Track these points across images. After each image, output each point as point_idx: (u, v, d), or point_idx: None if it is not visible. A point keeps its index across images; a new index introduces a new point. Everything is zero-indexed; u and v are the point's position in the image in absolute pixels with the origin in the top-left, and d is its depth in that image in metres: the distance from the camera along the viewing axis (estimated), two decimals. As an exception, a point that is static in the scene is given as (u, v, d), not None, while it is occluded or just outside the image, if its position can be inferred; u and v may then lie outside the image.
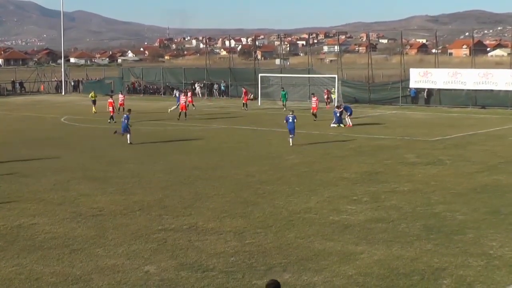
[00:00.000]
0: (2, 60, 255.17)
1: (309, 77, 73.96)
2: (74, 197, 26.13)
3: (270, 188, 27.51)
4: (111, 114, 54.46)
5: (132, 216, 23.08)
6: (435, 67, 69.88)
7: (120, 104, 58.99)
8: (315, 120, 52.10)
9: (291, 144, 38.72)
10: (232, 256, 18.32)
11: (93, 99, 63.13)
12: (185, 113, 54.43)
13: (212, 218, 22.48)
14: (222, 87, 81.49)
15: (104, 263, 17.90)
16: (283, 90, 66.67)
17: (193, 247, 19.22)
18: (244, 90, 68.51)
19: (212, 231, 20.84)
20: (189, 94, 64.55)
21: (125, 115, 41.76)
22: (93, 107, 61.76)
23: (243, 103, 65.09)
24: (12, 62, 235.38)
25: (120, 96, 61.80)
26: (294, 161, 34.36)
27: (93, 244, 19.70)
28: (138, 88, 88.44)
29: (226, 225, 21.49)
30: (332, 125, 48.98)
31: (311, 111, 53.95)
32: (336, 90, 64.15)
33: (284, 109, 61.44)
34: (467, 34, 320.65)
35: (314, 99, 54.34)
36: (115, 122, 53.42)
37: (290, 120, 39.37)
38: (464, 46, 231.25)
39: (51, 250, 19.20)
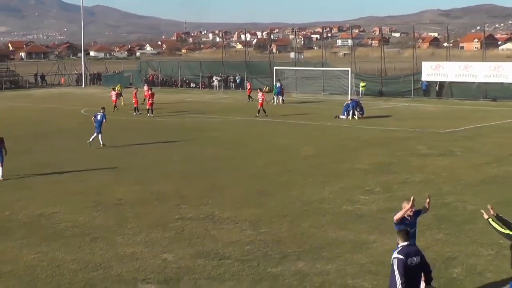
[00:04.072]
0: (24, 53, 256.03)
1: (323, 70, 73.81)
2: (94, 187, 26.25)
3: (284, 178, 27.54)
4: (135, 105, 54.48)
5: (151, 205, 23.17)
6: (446, 61, 69.58)
7: (146, 96, 58.84)
8: (257, 116, 50.99)
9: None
10: (247, 244, 18.37)
11: (119, 91, 62.25)
12: (264, 109, 51.66)
13: (228, 207, 22.54)
14: (238, 80, 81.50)
15: (123, 251, 18.00)
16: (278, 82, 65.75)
17: (210, 236, 19.29)
18: (248, 83, 68.63)
19: (228, 220, 20.91)
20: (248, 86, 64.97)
21: (101, 113, 38.21)
22: (121, 100, 60.40)
23: (248, 96, 65.06)
24: (33, 56, 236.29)
25: (145, 88, 61.74)
26: (307, 152, 34.36)
27: (113, 232, 19.81)
28: (155, 81, 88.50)
29: (242, 215, 21.54)
30: (341, 116, 48.91)
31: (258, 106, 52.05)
32: (350, 83, 63.98)
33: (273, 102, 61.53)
34: (478, 28, 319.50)
35: (260, 94, 53.19)
36: (140, 113, 53.62)
37: None
38: (475, 40, 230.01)
39: (72, 238, 19.32)
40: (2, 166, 27.32)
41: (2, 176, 27.11)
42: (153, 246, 18.32)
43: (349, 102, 49.89)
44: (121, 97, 60.06)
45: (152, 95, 53.46)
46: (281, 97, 63.03)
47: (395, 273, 11.30)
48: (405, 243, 11.58)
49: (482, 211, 12.79)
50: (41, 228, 20.52)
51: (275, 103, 61.39)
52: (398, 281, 11.22)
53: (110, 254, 17.68)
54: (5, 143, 27.54)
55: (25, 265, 16.98)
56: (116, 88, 62.78)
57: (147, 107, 52.94)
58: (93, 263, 16.95)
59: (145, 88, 61.50)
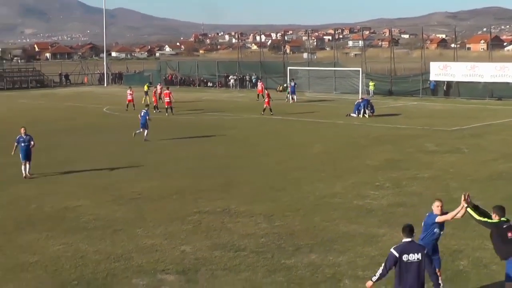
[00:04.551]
0: (49, 54, 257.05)
1: (334, 70, 73.71)
2: (115, 182, 26.35)
3: (297, 174, 27.54)
4: (155, 104, 54.29)
5: (169, 199, 23.24)
6: (454, 61, 69.31)
7: (161, 94, 58.86)
8: (262, 114, 50.81)
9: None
10: (262, 237, 18.39)
11: (146, 90, 61.69)
12: (270, 108, 51.41)
13: (243, 202, 22.57)
14: (253, 79, 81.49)
15: (143, 242, 18.07)
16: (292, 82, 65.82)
17: (226, 229, 19.33)
18: (261, 82, 68.57)
19: (244, 214, 20.94)
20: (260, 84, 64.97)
21: (144, 111, 39.79)
22: (145, 98, 59.14)
23: (258, 95, 64.08)
24: (58, 56, 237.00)
25: (158, 87, 61.62)
26: (319, 149, 34.34)
27: (133, 225, 19.88)
28: (174, 80, 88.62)
29: (257, 209, 21.57)
30: (352, 114, 48.84)
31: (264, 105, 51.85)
32: (360, 83, 63.89)
33: (288, 101, 61.59)
34: (484, 29, 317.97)
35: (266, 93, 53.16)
36: (159, 111, 53.60)
37: None
38: (482, 41, 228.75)
39: (94, 230, 19.41)
40: (29, 163, 27.07)
41: (28, 173, 26.99)
42: (172, 238, 18.38)
43: (360, 101, 49.80)
44: (146, 96, 59.24)
45: (169, 94, 53.15)
46: (295, 96, 62.89)
47: (383, 265, 11.57)
48: (408, 240, 11.55)
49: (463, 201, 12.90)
50: (66, 221, 20.63)
51: (290, 102, 61.36)
52: (380, 271, 11.51)
53: (131, 246, 17.75)
54: (34, 141, 27.30)
55: (50, 255, 17.08)
56: (145, 87, 62.74)
57: (166, 106, 52.72)
58: (115, 254, 17.03)
59: (158, 87, 61.32)
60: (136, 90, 58.89)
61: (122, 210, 21.85)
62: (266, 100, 51.51)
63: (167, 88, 55.56)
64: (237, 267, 15.95)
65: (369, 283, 11.66)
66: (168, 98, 52.25)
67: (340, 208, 21.56)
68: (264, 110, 51.02)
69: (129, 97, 56.44)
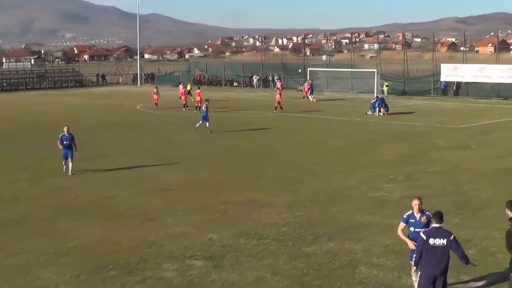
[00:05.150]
0: (88, 56, 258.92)
1: (351, 71, 73.45)
2: (147, 174, 26.45)
3: (315, 168, 27.49)
4: (198, 104, 54.22)
5: (198, 190, 23.28)
6: (463, 63, 68.72)
7: (181, 94, 58.85)
8: (274, 113, 50.51)
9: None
10: (283, 226, 18.38)
11: (188, 90, 61.09)
12: (281, 106, 51.06)
13: (266, 193, 22.56)
14: (275, 80, 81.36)
15: (173, 230, 18.12)
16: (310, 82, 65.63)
17: (250, 218, 19.34)
18: (280, 82, 68.28)
19: (267, 205, 20.93)
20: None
21: (205, 105, 40.78)
22: (188, 97, 57.98)
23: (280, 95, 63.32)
24: (95, 58, 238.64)
25: (181, 87, 61.55)
26: (336, 144, 34.25)
27: (165, 214, 19.94)
28: (202, 80, 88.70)
29: (278, 200, 21.55)
30: (368, 113, 48.67)
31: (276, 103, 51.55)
32: (376, 83, 63.65)
33: (311, 100, 61.42)
34: (492, 33, 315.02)
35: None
36: (188, 109, 53.66)
37: None
38: (490, 45, 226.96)
39: (129, 218, 19.50)
40: (72, 161, 26.37)
41: (71, 171, 26.31)
42: (200, 227, 18.41)
43: (375, 100, 49.60)
44: (189, 95, 58.53)
45: (200, 93, 52.94)
46: (311, 96, 62.70)
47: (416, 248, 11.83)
48: (437, 225, 11.65)
49: None
50: (103, 209, 20.74)
51: (311, 100, 61.18)
52: (414, 255, 11.84)
53: (162, 233, 17.81)
54: (75, 140, 26.76)
55: (88, 241, 17.18)
56: (187, 87, 62.73)
57: (196, 104, 52.53)
58: (148, 241, 17.09)
59: (181, 87, 61.06)
60: (165, 89, 58.94)
61: (155, 200, 21.93)
62: (278, 98, 51.48)
63: (198, 88, 55.34)
64: (260, 254, 15.95)
65: (414, 268, 12.08)
66: (199, 97, 52.15)
67: (356, 200, 21.50)
68: (275, 108, 51.01)
69: (155, 96, 56.54)
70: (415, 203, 12.75)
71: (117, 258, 15.76)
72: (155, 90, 57.69)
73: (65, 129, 26.63)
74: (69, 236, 17.66)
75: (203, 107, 40.71)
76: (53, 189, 23.81)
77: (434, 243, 11.40)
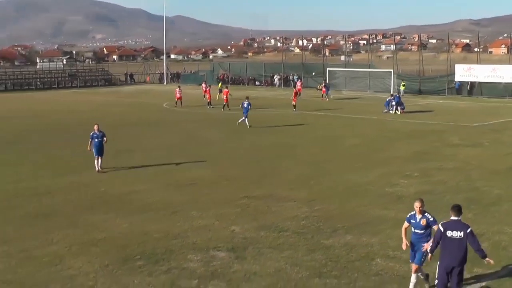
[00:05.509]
0: (116, 56, 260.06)
1: (369, 71, 73.23)
2: (173, 170, 26.55)
3: (334, 164, 27.44)
4: (208, 100, 54.23)
5: (221, 185, 23.31)
6: (477, 64, 68.26)
7: (205, 92, 59.00)
8: (294, 111, 50.34)
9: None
10: (303, 219, 18.37)
11: (220, 88, 61.18)
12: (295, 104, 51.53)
13: (286, 188, 22.56)
14: (295, 79, 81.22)
15: (197, 223, 18.17)
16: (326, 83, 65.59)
17: (271, 212, 19.34)
18: (300, 82, 68.29)
19: (287, 199, 20.92)
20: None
21: (247, 102, 41.11)
22: (218, 95, 58.40)
23: (297, 93, 62.18)
24: (124, 58, 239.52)
25: (203, 86, 61.67)
26: (354, 142, 34.14)
27: (189, 207, 19.99)
28: (225, 79, 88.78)
29: (298, 194, 21.53)
30: (384, 110, 48.56)
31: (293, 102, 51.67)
32: (392, 82, 63.41)
33: (327, 99, 61.30)
34: (505, 35, 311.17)
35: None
36: (213, 107, 53.70)
37: None
38: (503, 46, 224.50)
39: (155, 211, 19.57)
40: (101, 158, 26.12)
41: (100, 167, 26.10)
42: (223, 220, 18.45)
43: (392, 98, 49.38)
44: (220, 94, 58.23)
45: (226, 92, 52.87)
46: (326, 95, 62.57)
47: (433, 238, 11.85)
48: (455, 218, 11.67)
49: None
50: (130, 202, 20.84)
51: (327, 99, 61.07)
52: (431, 244, 11.83)
53: (186, 226, 17.87)
54: (106, 137, 26.50)
55: (116, 233, 17.28)
56: (219, 85, 62.76)
57: (224, 102, 52.56)
58: (173, 233, 17.15)
59: (203, 85, 61.14)
60: (190, 88, 58.97)
61: (179, 194, 22.00)
62: (225, 97, 51.95)
63: (226, 87, 55.33)
64: (280, 246, 15.95)
65: (427, 245, 12.04)
66: (225, 96, 52.17)
67: (373, 195, 21.43)
68: (294, 106, 51.01)
69: (178, 95, 56.47)
70: (416, 205, 12.58)
71: (143, 249, 15.84)
72: (177, 89, 57.78)
73: (96, 127, 26.42)
74: (98, 228, 17.78)
75: (245, 104, 40.98)
76: (82, 183, 23.94)
77: (452, 235, 11.41)
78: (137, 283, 13.67)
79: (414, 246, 12.53)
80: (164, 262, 14.90)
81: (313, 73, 78.87)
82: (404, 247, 12.82)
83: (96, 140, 26.06)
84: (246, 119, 40.22)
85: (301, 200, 20.76)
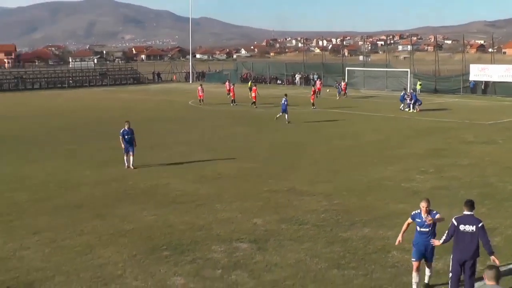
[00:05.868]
0: (144, 56, 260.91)
1: (386, 70, 72.83)
2: (198, 164, 26.58)
3: (352, 160, 27.32)
4: (254, 100, 54.07)
5: (244, 179, 23.31)
6: (491, 64, 67.66)
7: (227, 91, 59.16)
8: (313, 108, 50.24)
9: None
10: (322, 213, 18.31)
11: (250, 87, 60.87)
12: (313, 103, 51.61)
13: (306, 182, 22.50)
14: (315, 78, 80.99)
15: (221, 215, 18.19)
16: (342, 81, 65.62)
17: (292, 205, 19.31)
18: (319, 81, 68.21)
19: (307, 193, 20.87)
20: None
21: (284, 98, 41.80)
22: (250, 93, 56.32)
23: (316, 91, 58.79)
24: (151, 58, 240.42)
25: (227, 84, 61.75)
26: (371, 138, 33.98)
27: (213, 200, 20.02)
28: (248, 78, 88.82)
29: (318, 189, 21.48)
30: (401, 108, 48.35)
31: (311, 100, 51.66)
32: (408, 82, 63.07)
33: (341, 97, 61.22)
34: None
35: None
36: (236, 104, 53.73)
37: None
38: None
39: (181, 204, 19.62)
40: (133, 155, 25.72)
41: (132, 164, 25.70)
42: (246, 213, 18.45)
43: (409, 95, 49.05)
44: (250, 92, 56.44)
45: (255, 90, 52.66)
46: (339, 94, 62.43)
47: (447, 231, 11.66)
48: (468, 213, 11.55)
49: None
50: (157, 195, 20.92)
51: (337, 98, 60.89)
52: (444, 237, 11.67)
53: (211, 218, 17.89)
54: (135, 135, 26.19)
55: (144, 224, 17.35)
56: (249, 84, 62.86)
57: (253, 100, 52.37)
58: (198, 225, 17.19)
59: (227, 84, 61.32)
60: (214, 86, 59.06)
61: (204, 187, 22.04)
62: (254, 95, 52.10)
63: (255, 85, 55.47)
64: (300, 238, 15.92)
65: (437, 242, 11.88)
66: (254, 93, 52.23)
67: (390, 190, 21.31)
68: (252, 103, 51.83)
69: (200, 93, 56.42)
70: (423, 205, 12.24)
71: (170, 239, 15.89)
72: (199, 87, 57.79)
73: (126, 125, 26.05)
74: (127, 219, 17.86)
75: (283, 100, 41.56)
76: (111, 177, 24.07)
77: (464, 229, 11.32)
78: (163, 272, 13.72)
79: (417, 244, 12.29)
80: (189, 252, 14.93)
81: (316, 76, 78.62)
82: (397, 242, 12.66)
83: (126, 137, 25.87)
84: (286, 114, 41.05)
85: (321, 194, 20.70)
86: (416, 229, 12.35)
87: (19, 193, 21.45)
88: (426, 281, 12.71)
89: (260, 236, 16.11)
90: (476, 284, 11.66)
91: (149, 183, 22.79)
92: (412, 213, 12.52)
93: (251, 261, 14.35)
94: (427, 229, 12.13)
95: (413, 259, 12.43)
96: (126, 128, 26.00)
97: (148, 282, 13.15)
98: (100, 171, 25.27)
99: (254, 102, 51.92)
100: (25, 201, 20.36)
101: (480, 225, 11.34)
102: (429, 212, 12.23)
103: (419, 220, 12.27)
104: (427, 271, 12.65)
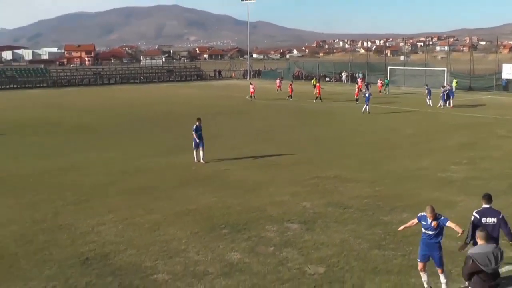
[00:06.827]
0: (207, 55, 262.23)
1: (425, 69, 71.58)
2: (254, 152, 26.66)
3: (392, 151, 27.02)
4: (290, 93, 54.04)
5: (295, 167, 23.30)
6: (523, 63, 65.94)
7: (278, 87, 59.26)
8: (357, 103, 49.40)
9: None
10: (365, 198, 18.20)
11: (314, 84, 59.92)
12: (320, 97, 51.93)
13: (350, 171, 22.37)
14: (359, 76, 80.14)
15: (274, 198, 18.25)
16: (386, 80, 65.06)
17: (337, 191, 19.24)
18: (361, 79, 67.56)
19: (351, 180, 20.76)
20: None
21: (368, 93, 43.19)
22: (314, 90, 55.58)
23: (359, 89, 56.72)
24: (213, 57, 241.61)
25: (278, 81, 61.73)
26: (409, 132, 33.50)
27: (268, 185, 20.10)
28: (300, 76, 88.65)
29: (361, 176, 21.33)
30: (440, 105, 47.48)
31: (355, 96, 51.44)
32: (445, 80, 61.92)
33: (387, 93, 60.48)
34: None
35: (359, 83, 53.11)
36: (291, 99, 53.65)
37: None
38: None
39: (238, 188, 19.75)
40: (203, 149, 24.30)
41: (203, 159, 24.30)
42: (296, 196, 18.47)
43: (447, 91, 48.07)
44: (314, 89, 55.61)
45: (318, 87, 52.95)
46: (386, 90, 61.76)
47: (469, 225, 11.20)
48: (487, 206, 11.20)
49: None
50: (217, 180, 21.11)
51: (387, 93, 60.14)
52: (469, 231, 11.15)
53: (265, 201, 17.98)
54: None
55: (204, 205, 17.55)
56: (312, 81, 63.54)
57: (289, 93, 53.23)
58: (253, 207, 17.29)
59: (277, 81, 61.56)
60: (269, 83, 59.09)
61: (260, 173, 22.13)
62: (318, 91, 52.00)
63: (318, 82, 55.89)
64: (345, 221, 15.88)
65: (464, 246, 11.15)
66: (318, 90, 52.21)
67: (426, 179, 21.02)
68: (316, 98, 51.85)
69: (251, 90, 56.18)
70: (428, 211, 11.35)
71: (228, 219, 16.04)
72: (251, 85, 57.78)
73: (198, 121, 24.75)
74: (190, 201, 18.09)
75: (366, 94, 43.20)
76: (176, 163, 24.36)
77: (486, 222, 10.98)
78: (222, 248, 13.88)
79: (424, 246, 11.46)
80: (245, 231, 15.05)
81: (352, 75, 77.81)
82: (400, 228, 12.08)
83: (198, 133, 24.60)
84: (367, 106, 42.06)
85: (364, 181, 20.57)
86: (422, 231, 11.53)
87: (100, 177, 21.94)
88: None
89: (308, 218, 16.12)
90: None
91: (210, 169, 23.00)
92: (419, 215, 11.67)
93: (300, 240, 14.38)
94: (433, 232, 11.29)
95: (418, 260, 11.68)
96: (197, 124, 24.73)
97: (208, 257, 13.33)
98: (167, 158, 25.60)
99: (318, 97, 51.91)
100: (104, 183, 20.82)
101: (501, 216, 11.04)
102: (435, 217, 11.35)
103: (425, 223, 11.42)
104: (442, 279, 11.48)
